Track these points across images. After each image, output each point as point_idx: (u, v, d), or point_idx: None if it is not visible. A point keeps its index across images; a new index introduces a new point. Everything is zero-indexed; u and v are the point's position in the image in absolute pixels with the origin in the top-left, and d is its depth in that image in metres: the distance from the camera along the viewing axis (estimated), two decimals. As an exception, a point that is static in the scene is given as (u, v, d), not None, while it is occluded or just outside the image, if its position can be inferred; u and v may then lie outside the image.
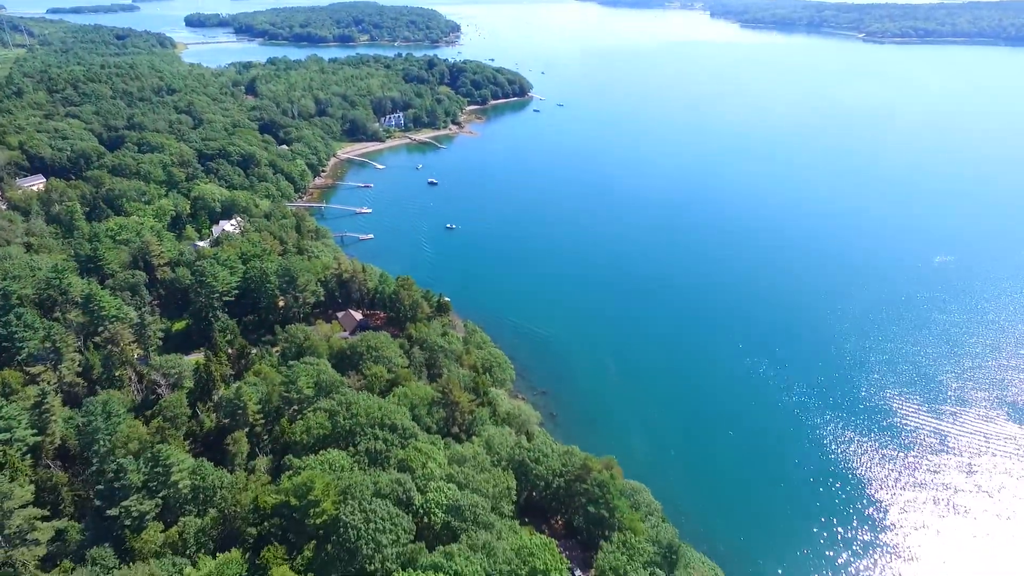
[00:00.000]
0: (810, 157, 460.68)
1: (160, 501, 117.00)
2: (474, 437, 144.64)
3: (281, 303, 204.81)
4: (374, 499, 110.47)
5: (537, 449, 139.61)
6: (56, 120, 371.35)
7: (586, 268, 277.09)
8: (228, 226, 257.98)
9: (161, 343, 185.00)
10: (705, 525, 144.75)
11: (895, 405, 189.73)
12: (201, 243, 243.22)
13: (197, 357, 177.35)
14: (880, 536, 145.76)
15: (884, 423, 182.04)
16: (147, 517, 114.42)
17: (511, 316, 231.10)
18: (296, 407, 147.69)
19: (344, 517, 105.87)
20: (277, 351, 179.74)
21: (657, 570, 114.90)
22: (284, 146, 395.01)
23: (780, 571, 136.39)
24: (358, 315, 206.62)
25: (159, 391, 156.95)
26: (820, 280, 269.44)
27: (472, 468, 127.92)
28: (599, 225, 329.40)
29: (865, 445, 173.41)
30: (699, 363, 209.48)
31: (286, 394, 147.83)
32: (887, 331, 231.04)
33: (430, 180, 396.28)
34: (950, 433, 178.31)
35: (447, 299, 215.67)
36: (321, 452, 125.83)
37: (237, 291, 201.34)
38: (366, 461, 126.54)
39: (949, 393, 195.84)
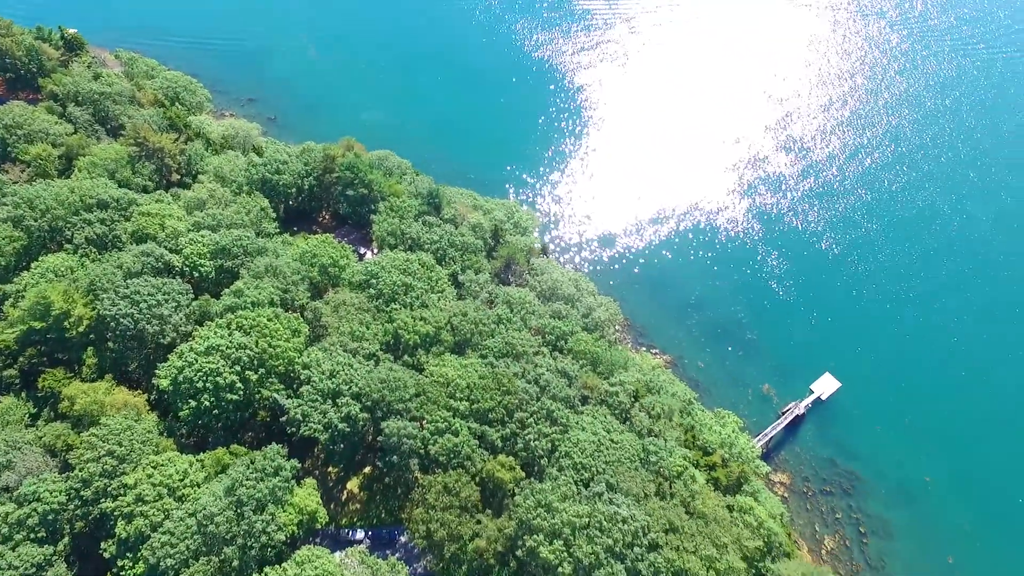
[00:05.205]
0: None
1: None
2: (200, 176, 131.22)
3: None
4: (129, 281, 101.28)
5: (272, 160, 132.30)
6: None
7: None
8: None
9: None
10: (449, 163, 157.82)
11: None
12: None
13: None
14: (575, 102, 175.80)
15: (569, 12, 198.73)
16: None
17: (171, 32, 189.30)
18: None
19: (107, 311, 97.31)
20: None
21: (427, 217, 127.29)
22: None
23: (518, 174, 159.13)
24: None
25: None
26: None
27: (215, 207, 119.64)
28: None
29: (553, 37, 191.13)
30: (407, 21, 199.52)
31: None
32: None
33: None
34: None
35: (73, 31, 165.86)
36: (32, 264, 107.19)
37: None
38: (94, 250, 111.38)
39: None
